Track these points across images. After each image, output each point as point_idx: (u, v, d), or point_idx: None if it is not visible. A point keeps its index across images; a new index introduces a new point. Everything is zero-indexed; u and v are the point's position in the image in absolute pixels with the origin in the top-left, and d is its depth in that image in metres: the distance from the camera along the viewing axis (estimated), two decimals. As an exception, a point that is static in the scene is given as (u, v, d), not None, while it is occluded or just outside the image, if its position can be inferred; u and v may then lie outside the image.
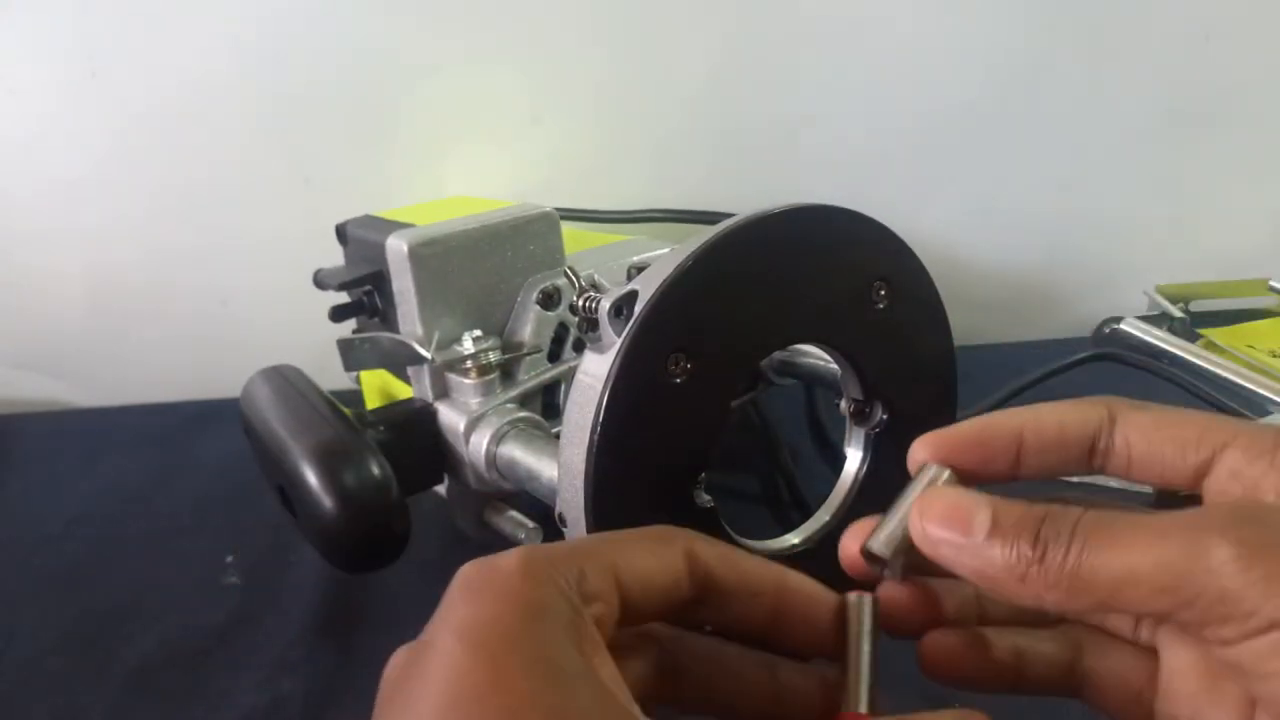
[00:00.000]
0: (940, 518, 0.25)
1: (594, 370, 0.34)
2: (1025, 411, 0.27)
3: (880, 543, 0.26)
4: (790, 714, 0.27)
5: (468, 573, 0.24)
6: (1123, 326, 0.70)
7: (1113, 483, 0.55)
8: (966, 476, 0.27)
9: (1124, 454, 0.26)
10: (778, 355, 0.50)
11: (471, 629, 0.22)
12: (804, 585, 0.27)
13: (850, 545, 0.28)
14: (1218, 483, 0.24)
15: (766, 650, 0.28)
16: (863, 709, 0.26)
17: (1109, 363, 0.65)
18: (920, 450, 0.27)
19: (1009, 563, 0.23)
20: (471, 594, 0.23)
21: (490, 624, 0.22)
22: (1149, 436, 0.25)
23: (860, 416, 0.42)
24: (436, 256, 0.46)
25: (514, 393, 0.47)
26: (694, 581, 0.26)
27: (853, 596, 0.27)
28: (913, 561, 0.26)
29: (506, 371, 0.47)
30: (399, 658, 0.24)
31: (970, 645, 0.27)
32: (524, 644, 0.21)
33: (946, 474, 0.27)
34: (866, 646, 0.27)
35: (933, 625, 0.27)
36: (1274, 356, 0.66)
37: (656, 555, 0.25)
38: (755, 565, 0.27)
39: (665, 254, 0.36)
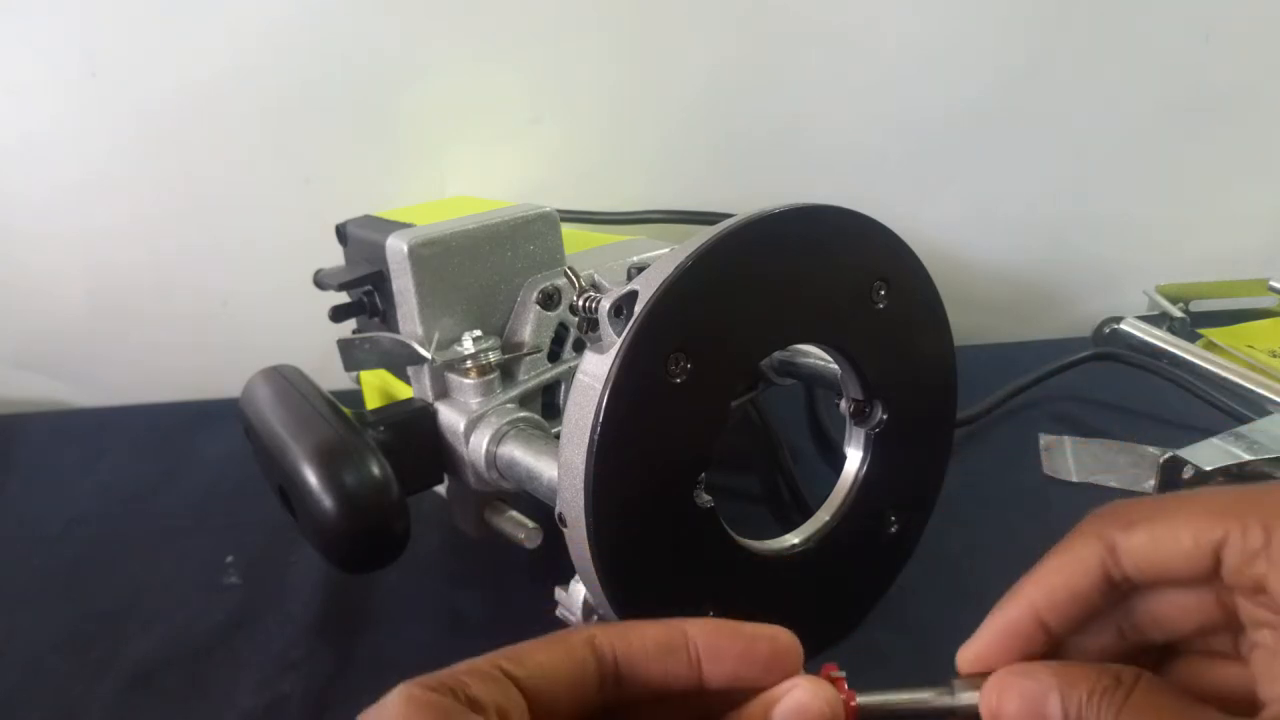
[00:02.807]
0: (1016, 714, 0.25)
1: (594, 370, 0.34)
2: (1029, 589, 0.27)
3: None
4: None
5: None
6: (1123, 326, 0.70)
7: (1111, 481, 0.55)
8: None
9: (1141, 580, 0.26)
10: (778, 355, 0.50)
11: None
12: (712, 626, 0.27)
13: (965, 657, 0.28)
14: (1232, 576, 0.25)
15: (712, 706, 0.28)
16: (856, 701, 0.27)
17: (1109, 363, 0.65)
18: (965, 669, 0.28)
19: None
20: None
21: None
22: (1151, 559, 0.26)
23: (860, 416, 0.42)
24: (436, 256, 0.46)
25: (514, 393, 0.47)
26: (602, 665, 0.26)
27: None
28: None
29: (506, 371, 0.47)
30: None
31: None
32: None
33: None
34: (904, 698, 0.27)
35: None
36: (1274, 356, 0.66)
37: (550, 649, 0.26)
38: (656, 626, 0.27)
39: (665, 254, 0.36)
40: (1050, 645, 0.27)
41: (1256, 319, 0.73)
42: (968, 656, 0.28)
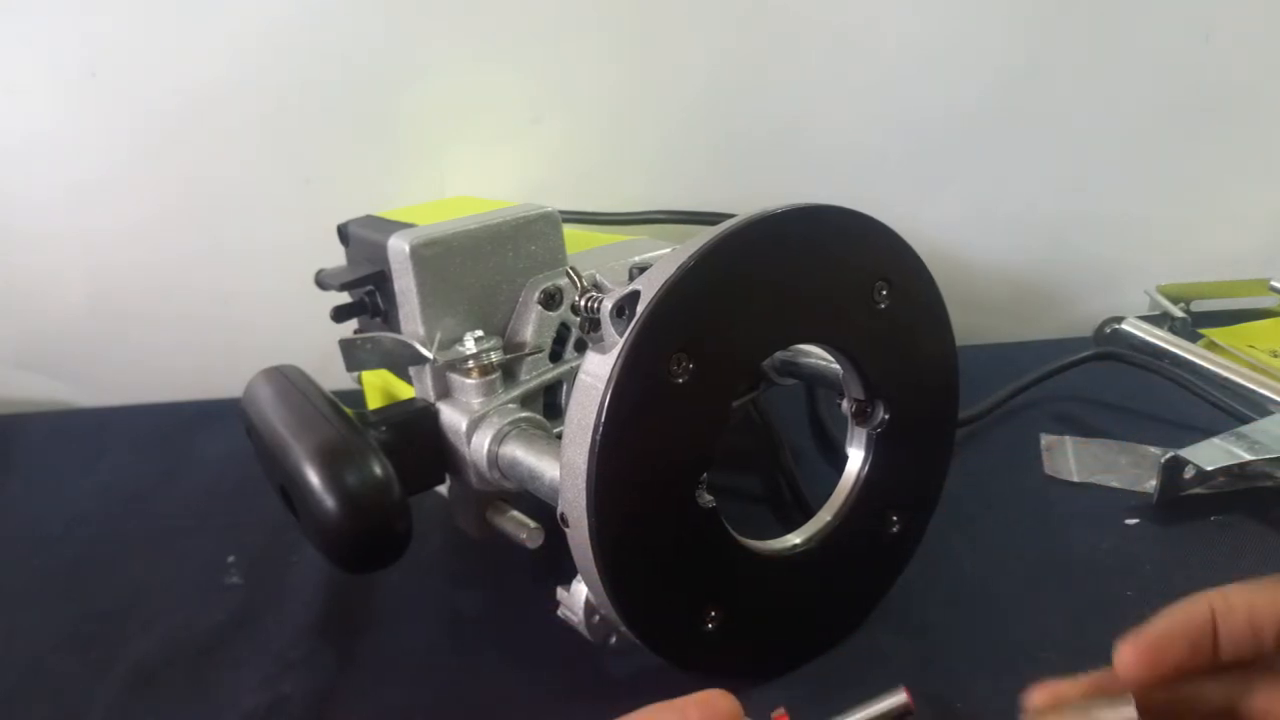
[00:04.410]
0: None
1: (596, 370, 0.34)
2: (1213, 596, 0.27)
3: None
4: None
5: None
6: (1124, 326, 0.70)
7: (1113, 481, 0.55)
8: (1164, 679, 0.28)
9: None
10: (779, 355, 0.50)
11: None
12: (648, 713, 0.29)
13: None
14: None
15: None
16: None
17: (1110, 362, 0.65)
18: (1128, 653, 0.28)
19: None
20: None
21: None
22: None
23: (862, 416, 0.42)
24: (438, 256, 0.46)
25: (516, 393, 0.47)
26: None
27: None
28: None
29: (508, 371, 0.47)
30: None
31: None
32: None
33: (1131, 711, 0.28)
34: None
35: None
36: (1274, 356, 0.66)
37: None
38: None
39: (667, 254, 0.36)
40: (1207, 667, 0.27)
41: (1257, 319, 0.73)
42: (1133, 643, 0.28)
